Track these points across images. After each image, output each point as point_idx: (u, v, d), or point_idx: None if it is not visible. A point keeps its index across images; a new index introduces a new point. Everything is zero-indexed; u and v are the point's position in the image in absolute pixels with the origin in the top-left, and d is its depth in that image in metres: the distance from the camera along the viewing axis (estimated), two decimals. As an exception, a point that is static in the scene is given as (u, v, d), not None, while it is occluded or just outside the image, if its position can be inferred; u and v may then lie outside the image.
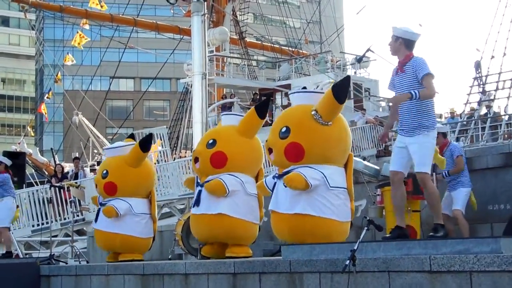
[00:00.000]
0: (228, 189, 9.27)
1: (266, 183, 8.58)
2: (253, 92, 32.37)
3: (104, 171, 11.04)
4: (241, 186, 9.42)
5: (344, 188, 8.10)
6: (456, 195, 10.07)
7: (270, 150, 8.30)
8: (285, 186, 7.93)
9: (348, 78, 8.45)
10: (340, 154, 8.25)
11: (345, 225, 8.11)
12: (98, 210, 11.23)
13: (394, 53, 7.78)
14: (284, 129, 8.12)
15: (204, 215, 9.47)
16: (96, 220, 11.30)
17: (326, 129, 8.02)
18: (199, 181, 9.76)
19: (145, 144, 10.92)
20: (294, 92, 8.88)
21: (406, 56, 7.68)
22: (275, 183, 8.28)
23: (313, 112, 8.00)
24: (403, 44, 7.68)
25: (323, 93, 8.42)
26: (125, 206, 10.80)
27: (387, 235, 7.85)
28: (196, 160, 9.68)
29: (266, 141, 8.40)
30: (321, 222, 7.85)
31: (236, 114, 10.60)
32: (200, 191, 9.59)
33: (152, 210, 11.20)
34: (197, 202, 9.58)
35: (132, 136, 12.02)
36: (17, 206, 14.83)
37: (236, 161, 9.53)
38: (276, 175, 8.30)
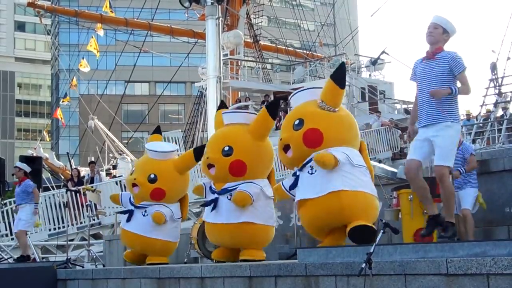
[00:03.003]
0: (253, 199, 9.31)
1: (284, 186, 8.63)
2: (264, 95, 32.41)
3: (152, 175, 10.77)
4: (261, 191, 9.45)
5: (366, 167, 8.25)
6: (464, 194, 9.99)
7: (286, 148, 8.30)
8: (311, 174, 8.02)
9: (343, 64, 8.60)
10: (354, 138, 8.48)
11: (377, 200, 8.26)
12: (132, 211, 11.00)
13: (433, 43, 7.61)
14: (297, 122, 8.28)
15: (226, 224, 9.42)
16: (128, 220, 11.03)
17: (336, 115, 8.32)
18: (213, 187, 9.69)
19: (199, 153, 10.73)
20: (295, 93, 8.98)
21: (439, 47, 7.60)
22: (297, 177, 8.27)
23: (319, 101, 8.33)
24: (446, 40, 7.63)
25: (321, 88, 8.65)
26: (169, 213, 10.80)
27: (423, 232, 7.79)
28: (209, 166, 9.56)
29: (280, 140, 8.38)
30: (357, 195, 7.94)
31: (238, 112, 10.44)
32: (217, 199, 9.53)
33: (184, 212, 11.29)
34: (213, 210, 9.52)
35: (158, 131, 11.78)
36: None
37: (255, 169, 9.54)
38: (297, 170, 8.33)
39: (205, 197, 10.08)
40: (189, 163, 11.00)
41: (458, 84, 7.45)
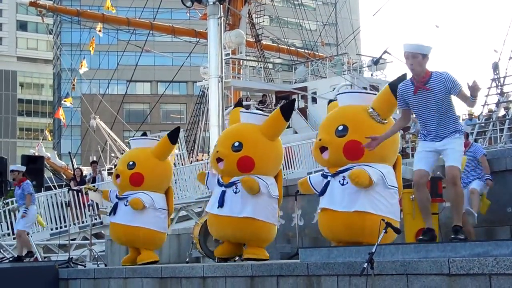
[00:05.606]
0: (261, 189, 9.35)
1: (310, 181, 8.55)
2: (262, 94, 32.44)
3: (131, 162, 10.96)
4: (267, 189, 9.50)
5: (397, 187, 8.16)
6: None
7: (322, 149, 8.17)
8: (342, 184, 7.90)
9: (405, 75, 8.13)
10: (393, 154, 8.34)
11: (398, 224, 8.12)
12: (116, 204, 11.13)
13: (420, 73, 7.28)
14: (341, 128, 8.09)
15: (229, 217, 9.50)
16: (113, 213, 11.14)
17: (383, 127, 8.03)
18: (221, 180, 9.76)
19: (174, 136, 11.08)
20: (344, 93, 8.85)
21: (426, 73, 7.32)
22: (327, 182, 8.16)
23: (370, 110, 8.07)
24: (427, 61, 7.38)
25: (374, 94, 8.49)
26: (149, 200, 10.82)
27: (422, 237, 7.56)
28: (218, 159, 9.63)
29: (319, 140, 8.19)
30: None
31: (256, 113, 10.49)
32: (223, 192, 9.61)
33: (170, 206, 11.25)
34: (220, 203, 9.58)
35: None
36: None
37: (262, 166, 9.59)
38: (329, 174, 8.20)
39: (206, 185, 10.25)
40: (166, 147, 11.10)
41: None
